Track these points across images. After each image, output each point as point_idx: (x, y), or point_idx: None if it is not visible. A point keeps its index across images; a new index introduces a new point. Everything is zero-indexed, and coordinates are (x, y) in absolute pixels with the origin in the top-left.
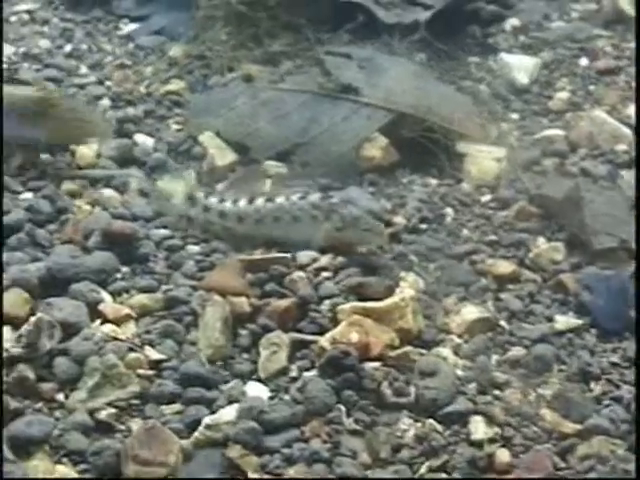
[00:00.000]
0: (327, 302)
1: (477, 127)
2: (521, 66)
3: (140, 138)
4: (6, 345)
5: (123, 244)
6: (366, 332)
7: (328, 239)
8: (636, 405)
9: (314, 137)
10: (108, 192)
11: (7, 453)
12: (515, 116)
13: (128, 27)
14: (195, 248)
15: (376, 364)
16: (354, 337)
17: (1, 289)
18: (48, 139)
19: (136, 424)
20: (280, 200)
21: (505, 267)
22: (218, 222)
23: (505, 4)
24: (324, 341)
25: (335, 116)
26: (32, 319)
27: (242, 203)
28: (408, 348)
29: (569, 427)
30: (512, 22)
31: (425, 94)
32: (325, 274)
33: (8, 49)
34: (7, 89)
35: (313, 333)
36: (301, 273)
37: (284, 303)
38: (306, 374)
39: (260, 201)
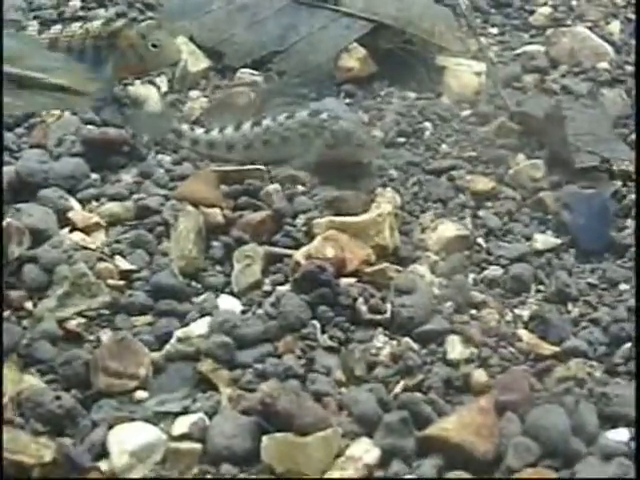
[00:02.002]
0: (302, 216)
1: (457, 41)
2: None
3: None
4: None
5: (95, 150)
6: (342, 247)
7: (320, 156)
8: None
9: (291, 46)
10: None
11: None
12: (495, 30)
13: None
14: (167, 158)
15: (351, 280)
16: (330, 252)
17: None
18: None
19: (106, 335)
20: (267, 122)
21: (484, 184)
22: (207, 153)
23: None
24: (299, 255)
25: (313, 25)
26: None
27: (229, 131)
28: (384, 265)
29: (546, 349)
30: None
31: (405, 5)
32: (301, 187)
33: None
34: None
35: (287, 247)
36: (276, 186)
37: (258, 216)
38: (280, 288)
39: (247, 126)
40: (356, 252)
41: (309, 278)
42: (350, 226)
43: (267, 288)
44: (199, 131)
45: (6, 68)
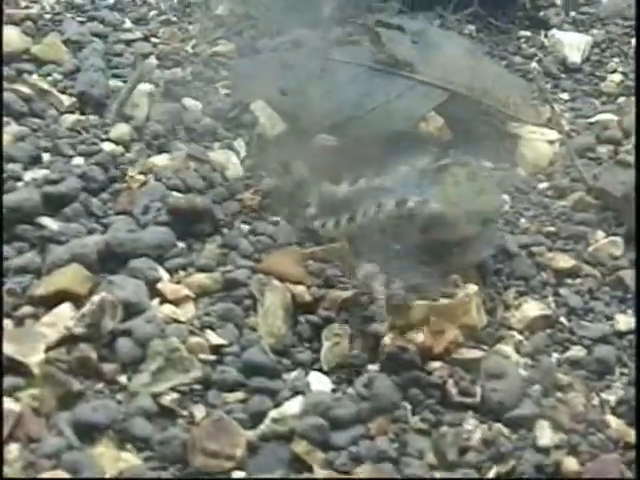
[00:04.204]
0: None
1: (531, 110)
2: (573, 44)
3: (188, 102)
4: (68, 324)
5: (181, 218)
6: (430, 329)
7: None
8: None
9: (368, 112)
10: (161, 159)
11: (72, 439)
12: (566, 96)
13: None
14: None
15: (440, 362)
16: (418, 334)
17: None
18: None
19: (199, 411)
20: (360, 217)
21: (565, 261)
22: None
23: None
24: (386, 337)
25: (390, 92)
26: (95, 298)
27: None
28: (471, 345)
29: (635, 437)
30: None
31: (479, 74)
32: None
33: None
34: None
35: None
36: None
37: (345, 294)
38: (370, 367)
39: (344, 221)
40: (445, 333)
41: (393, 359)
42: (438, 308)
43: (357, 367)
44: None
45: None
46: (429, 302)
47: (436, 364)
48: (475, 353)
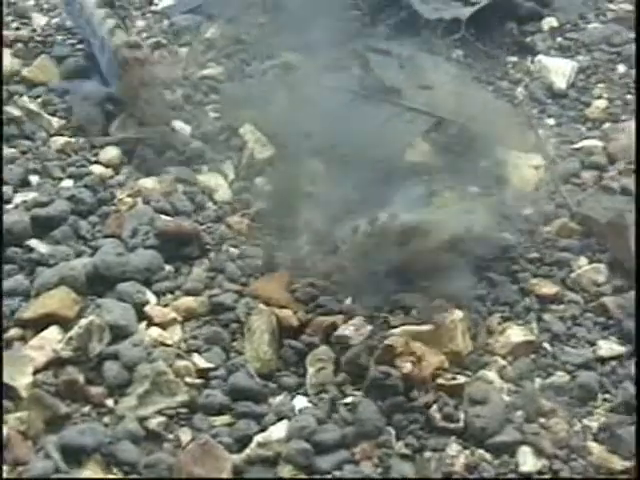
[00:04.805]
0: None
1: (517, 135)
2: (559, 70)
3: (178, 124)
4: (56, 347)
5: (169, 241)
6: (415, 354)
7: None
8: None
9: (356, 138)
10: (149, 182)
11: (59, 462)
12: (552, 122)
13: (163, 3)
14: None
15: (424, 387)
16: (403, 360)
17: None
18: None
19: (185, 434)
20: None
21: (549, 287)
22: None
23: (542, 2)
24: (372, 361)
25: (377, 118)
26: (83, 322)
27: None
28: (456, 370)
29: (617, 464)
30: (549, 21)
31: (466, 100)
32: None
33: (41, 19)
34: None
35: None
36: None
37: (330, 318)
38: (355, 393)
39: None
40: (430, 359)
41: (377, 384)
42: (423, 334)
43: (341, 392)
44: None
45: None
46: (414, 328)
47: (420, 390)
48: (459, 379)
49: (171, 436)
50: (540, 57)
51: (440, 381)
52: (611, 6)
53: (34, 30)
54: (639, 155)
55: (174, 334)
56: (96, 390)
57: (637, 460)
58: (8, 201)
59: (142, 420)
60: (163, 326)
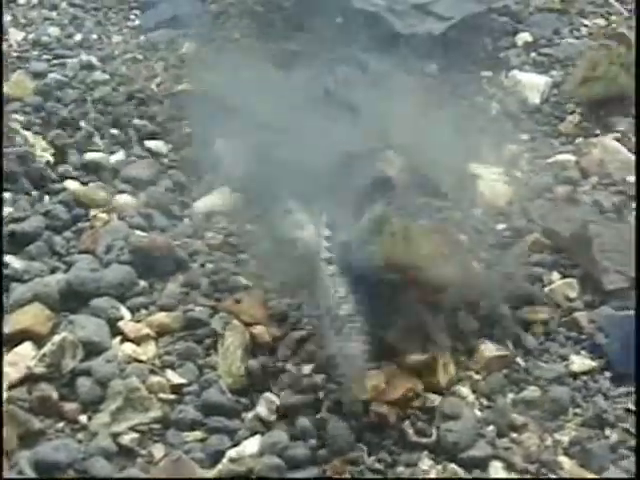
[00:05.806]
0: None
1: (490, 149)
2: (533, 85)
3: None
4: (29, 363)
5: (143, 257)
6: (388, 379)
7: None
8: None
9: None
10: (124, 198)
11: (32, 478)
12: (525, 137)
13: (139, 18)
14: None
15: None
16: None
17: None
18: None
19: (157, 450)
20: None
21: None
22: None
23: (517, 17)
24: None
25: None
26: (56, 338)
27: None
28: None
29: (588, 478)
30: (523, 36)
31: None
32: None
33: (18, 34)
34: None
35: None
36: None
37: (303, 334)
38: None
39: None
40: (403, 383)
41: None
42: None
43: (312, 407)
44: None
45: None
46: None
47: (391, 403)
48: (433, 397)
49: (144, 452)
50: (514, 72)
51: (411, 396)
52: (585, 22)
53: (10, 46)
54: (639, 156)
55: (148, 350)
56: (70, 406)
57: (637, 459)
58: None
59: (115, 436)
60: (137, 342)
